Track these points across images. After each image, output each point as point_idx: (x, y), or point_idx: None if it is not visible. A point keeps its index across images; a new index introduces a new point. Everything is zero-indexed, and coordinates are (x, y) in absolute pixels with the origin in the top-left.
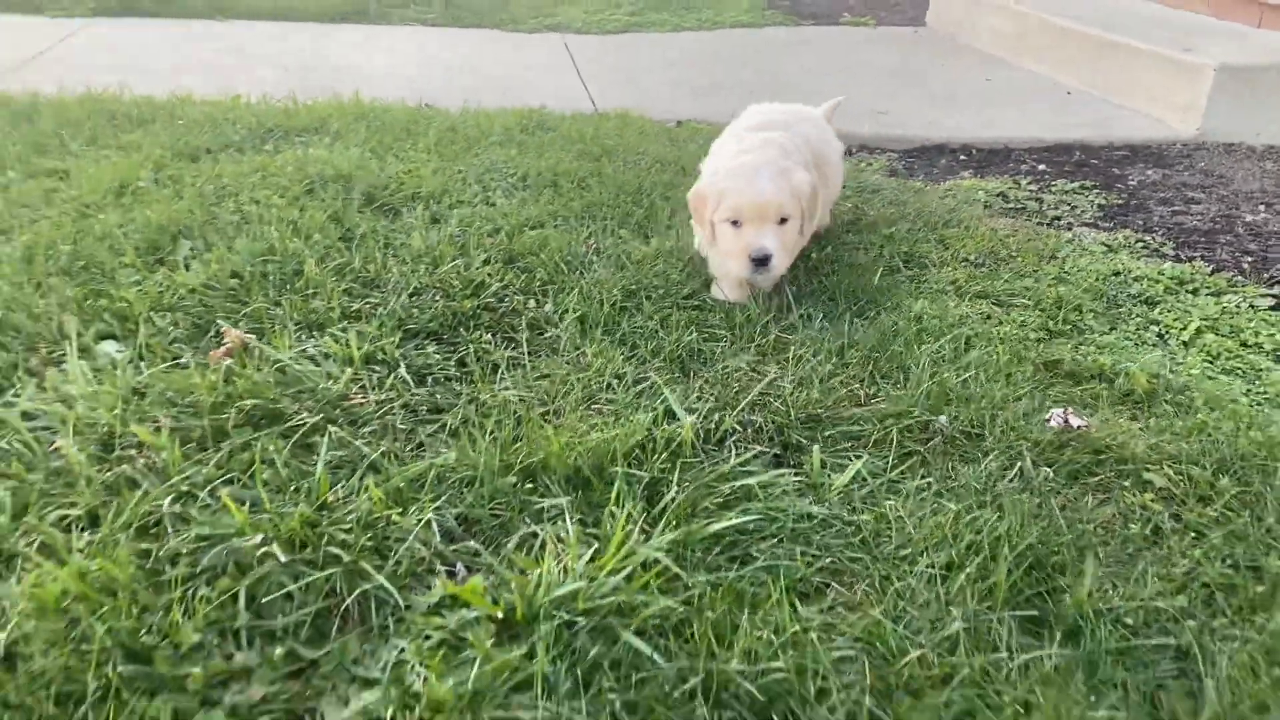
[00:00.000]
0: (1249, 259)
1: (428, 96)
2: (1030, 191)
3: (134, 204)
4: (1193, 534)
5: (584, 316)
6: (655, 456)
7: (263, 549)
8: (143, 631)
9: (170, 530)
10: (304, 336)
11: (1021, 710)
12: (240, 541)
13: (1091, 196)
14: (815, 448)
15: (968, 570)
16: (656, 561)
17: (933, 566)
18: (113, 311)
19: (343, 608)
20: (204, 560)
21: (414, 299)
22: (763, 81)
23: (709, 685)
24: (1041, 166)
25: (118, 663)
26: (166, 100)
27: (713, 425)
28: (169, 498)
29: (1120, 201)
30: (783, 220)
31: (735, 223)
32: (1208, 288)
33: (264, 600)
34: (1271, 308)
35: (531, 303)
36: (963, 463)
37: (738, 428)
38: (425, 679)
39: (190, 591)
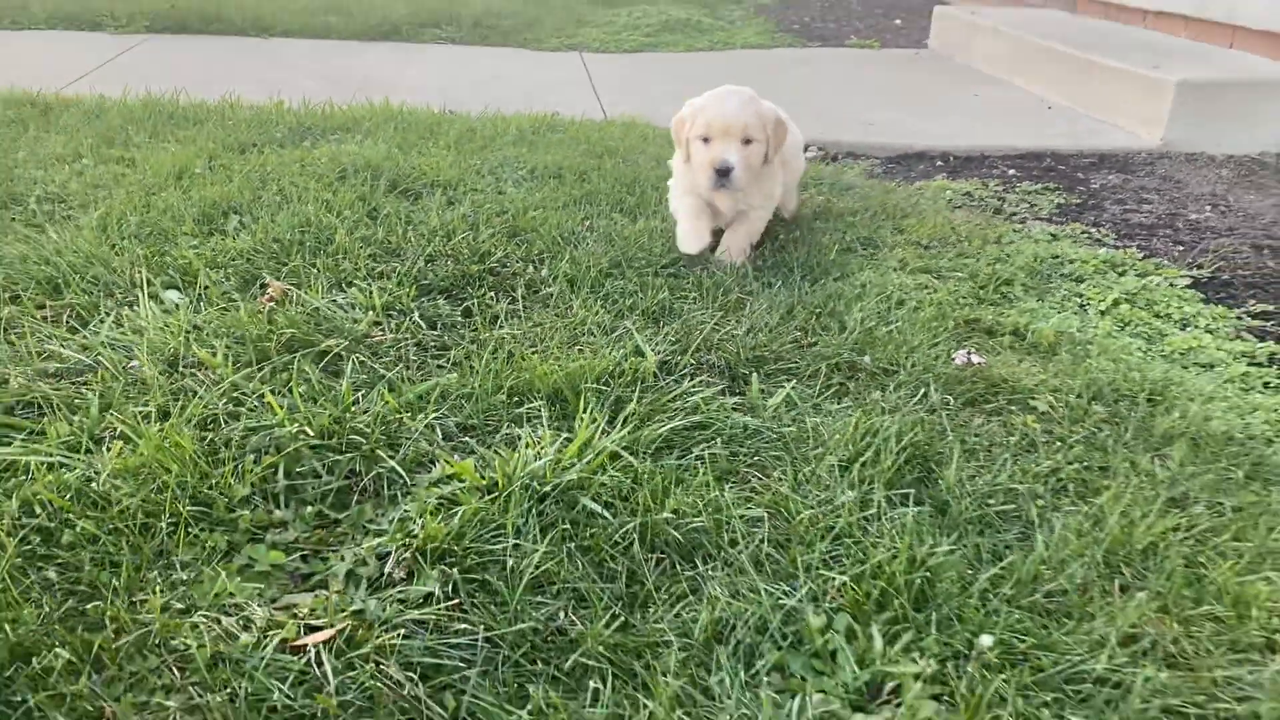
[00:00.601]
0: (1180, 248)
1: (452, 105)
2: (995, 191)
3: (191, 186)
4: (1060, 443)
5: (573, 279)
6: (621, 380)
7: (298, 438)
8: (204, 487)
9: (224, 423)
10: (334, 290)
11: (887, 547)
12: (280, 430)
13: (1052, 196)
14: (755, 377)
15: (863, 459)
16: (615, 455)
17: (837, 461)
18: (175, 267)
19: (361, 485)
20: (251, 443)
21: (429, 264)
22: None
23: (644, 533)
24: (1012, 171)
25: (185, 505)
26: (217, 104)
27: (673, 362)
28: (223, 401)
29: (1078, 201)
30: (747, 141)
31: (706, 140)
32: (1135, 269)
33: (298, 476)
34: (1187, 286)
35: (529, 268)
36: (878, 390)
37: (693, 364)
38: (423, 525)
39: (239, 466)
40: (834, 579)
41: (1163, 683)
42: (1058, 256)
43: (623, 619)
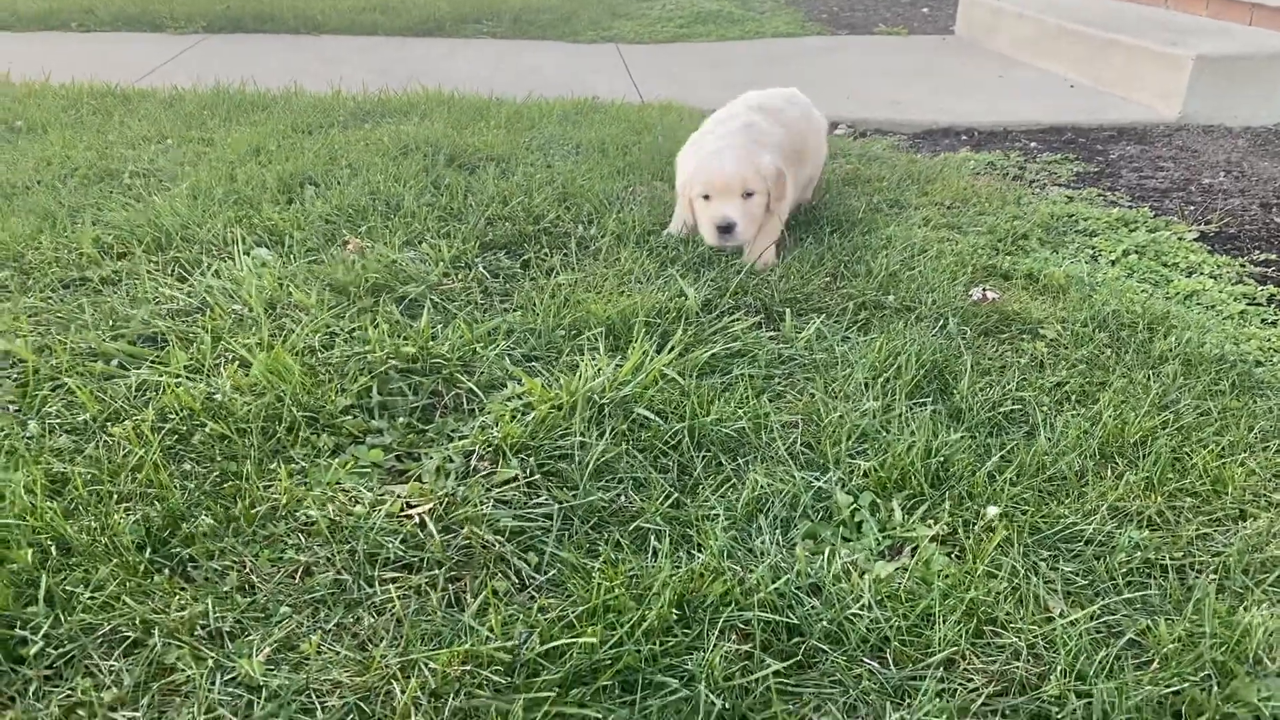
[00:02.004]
0: (1192, 208)
1: (497, 94)
2: (1017, 162)
3: (267, 161)
4: (1064, 363)
5: (620, 235)
6: (667, 317)
7: (386, 362)
8: (310, 400)
9: (320, 353)
10: (406, 248)
11: (908, 438)
12: (371, 356)
13: (1071, 166)
14: (788, 314)
15: (886, 375)
16: (663, 374)
17: (863, 377)
18: (262, 228)
19: (443, 403)
20: (348, 366)
21: (489, 225)
22: (793, 79)
23: (692, 434)
24: (1033, 144)
25: (298, 412)
26: (281, 93)
27: (713, 302)
28: (318, 335)
29: (1096, 170)
30: (748, 194)
31: (707, 197)
32: (1146, 226)
33: (389, 394)
34: (1195, 240)
35: (579, 227)
36: (901, 323)
37: (732, 304)
38: (501, 428)
39: (340, 384)
40: (860, 465)
41: (1145, 540)
42: (1073, 215)
43: (675, 497)
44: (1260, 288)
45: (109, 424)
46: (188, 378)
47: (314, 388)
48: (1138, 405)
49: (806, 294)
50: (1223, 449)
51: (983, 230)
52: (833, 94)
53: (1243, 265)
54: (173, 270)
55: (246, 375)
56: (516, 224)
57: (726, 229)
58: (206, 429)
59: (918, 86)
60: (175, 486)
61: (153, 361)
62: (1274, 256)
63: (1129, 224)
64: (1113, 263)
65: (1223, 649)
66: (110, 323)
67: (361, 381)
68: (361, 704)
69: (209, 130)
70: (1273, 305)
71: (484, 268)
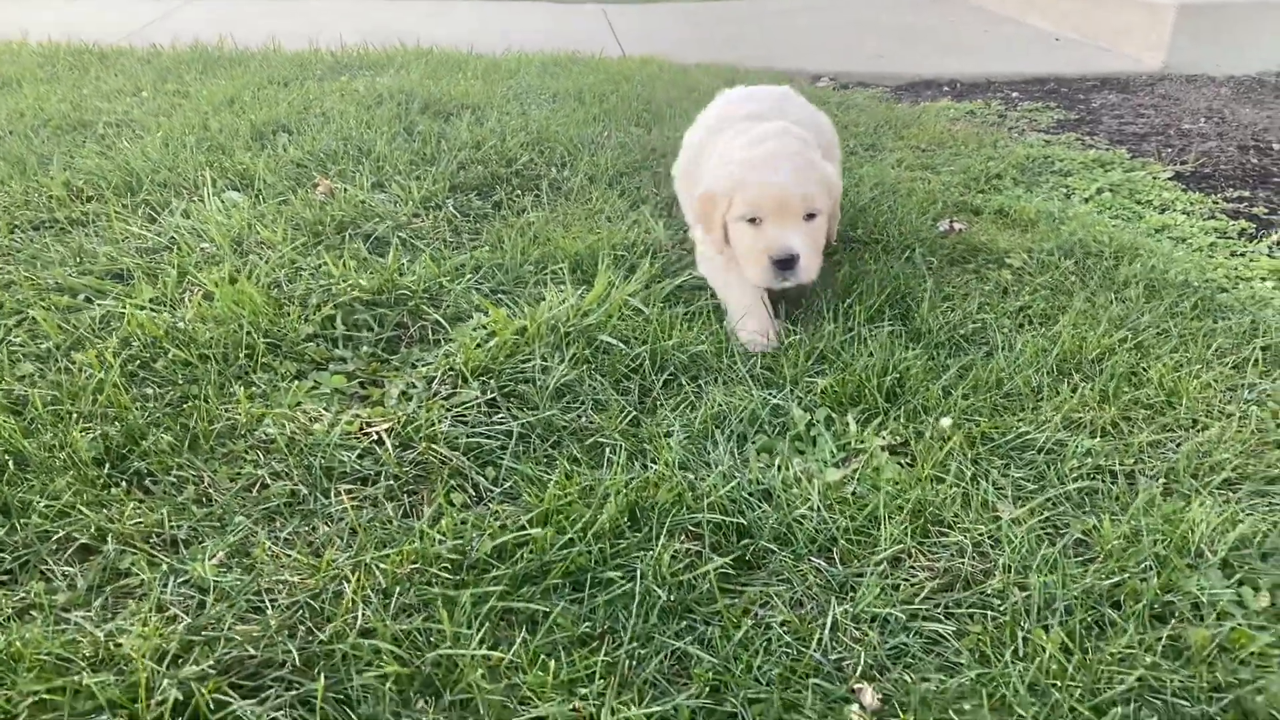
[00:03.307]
0: (1170, 150)
1: (480, 52)
2: (997, 110)
3: (241, 111)
4: (1028, 289)
5: (593, 177)
6: (635, 251)
7: (351, 291)
8: (274, 329)
9: (285, 286)
10: (376, 190)
11: (865, 357)
12: (336, 288)
13: (1052, 114)
14: None
15: (848, 301)
16: (627, 303)
17: (825, 302)
18: (234, 172)
19: (409, 336)
20: (311, 298)
21: (460, 169)
22: (779, 35)
23: (654, 357)
24: (1016, 94)
25: (259, 338)
26: (261, 49)
27: (680, 236)
28: (283, 271)
29: (1076, 117)
30: (809, 216)
31: (753, 220)
32: (1122, 166)
33: (354, 326)
34: (1170, 179)
35: (552, 170)
36: (867, 255)
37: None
38: (463, 352)
39: (304, 314)
40: (818, 384)
41: (1096, 448)
42: (1049, 157)
43: (634, 416)
44: (1231, 222)
45: (72, 352)
46: (152, 309)
47: (277, 318)
48: (1097, 325)
49: None
50: (1178, 364)
51: (956, 170)
52: (818, 49)
53: (1215, 202)
54: (142, 212)
55: (211, 307)
56: (489, 167)
57: (787, 263)
58: (169, 355)
59: (903, 42)
60: (135, 407)
61: (118, 296)
62: (1247, 194)
63: (1105, 164)
64: (1086, 200)
65: (1165, 544)
66: (78, 260)
67: (325, 312)
68: (311, 602)
69: (185, 84)
70: (1243, 238)
71: (454, 207)
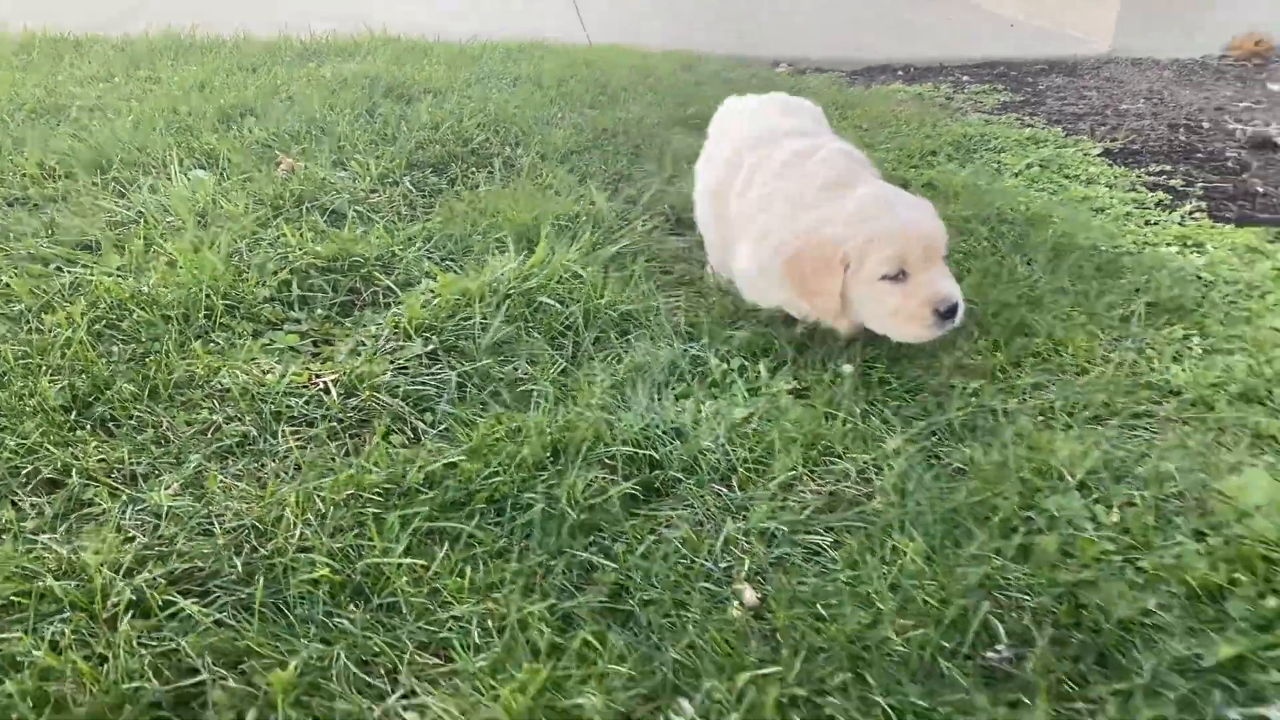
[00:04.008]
0: (1104, 129)
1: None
2: (945, 92)
3: (210, 95)
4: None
5: (545, 155)
6: (578, 222)
7: (305, 257)
8: (232, 292)
9: (246, 251)
10: (336, 168)
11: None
12: (293, 255)
13: (998, 96)
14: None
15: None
16: (566, 267)
17: None
18: (201, 152)
19: (361, 301)
20: (270, 263)
21: (419, 148)
22: (737, 22)
23: (587, 316)
24: (965, 77)
25: (218, 300)
26: (232, 37)
27: (625, 211)
28: (244, 241)
29: (1021, 99)
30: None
31: (897, 276)
32: (1055, 143)
33: (309, 289)
34: (1099, 155)
35: (506, 149)
36: None
37: (643, 213)
38: (408, 314)
39: (262, 280)
40: (734, 336)
41: (979, 389)
42: (985, 135)
43: (565, 368)
44: (1150, 194)
45: (43, 314)
46: (119, 276)
47: (236, 282)
48: (999, 283)
49: None
50: (1069, 316)
51: (893, 148)
52: (776, 38)
53: (1139, 176)
54: (112, 189)
55: (174, 273)
56: (446, 146)
57: (951, 313)
58: (134, 315)
59: (860, 29)
60: (101, 361)
61: (87, 264)
62: (1169, 168)
63: (1038, 142)
64: (1016, 174)
65: (1031, 469)
66: (49, 232)
67: (281, 276)
68: (256, 525)
69: (157, 70)
70: (1158, 208)
71: (410, 183)
